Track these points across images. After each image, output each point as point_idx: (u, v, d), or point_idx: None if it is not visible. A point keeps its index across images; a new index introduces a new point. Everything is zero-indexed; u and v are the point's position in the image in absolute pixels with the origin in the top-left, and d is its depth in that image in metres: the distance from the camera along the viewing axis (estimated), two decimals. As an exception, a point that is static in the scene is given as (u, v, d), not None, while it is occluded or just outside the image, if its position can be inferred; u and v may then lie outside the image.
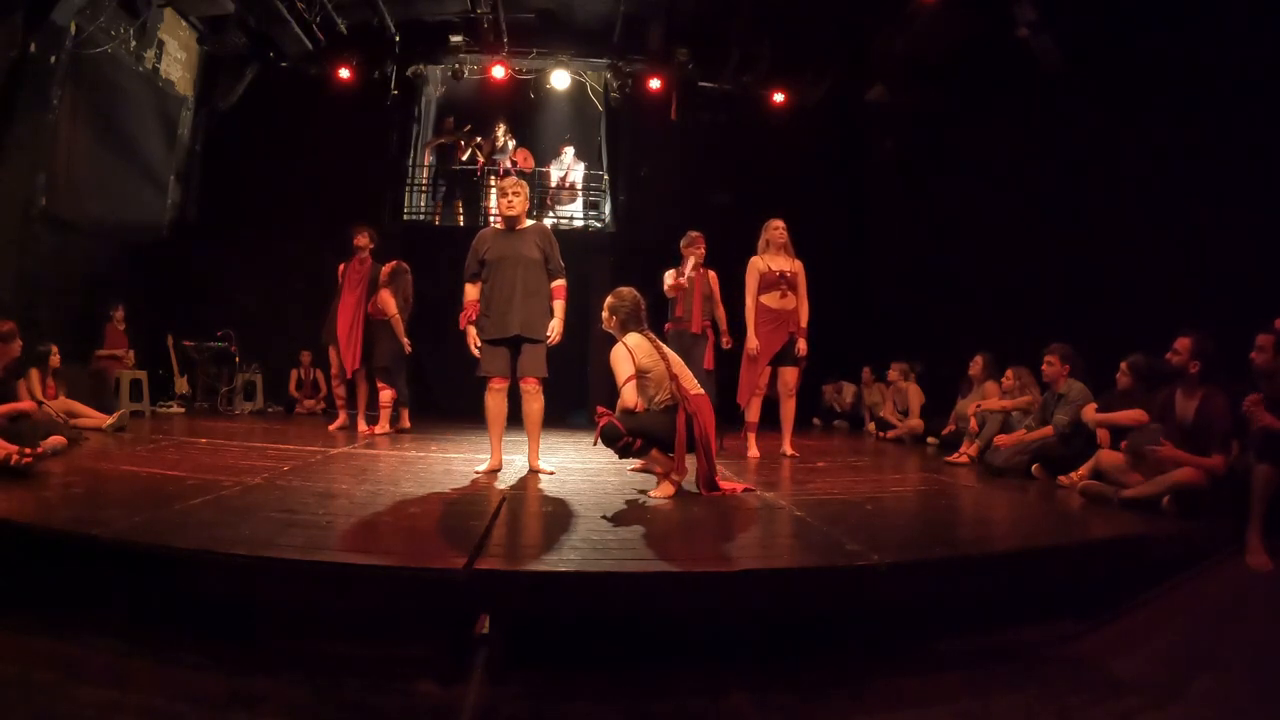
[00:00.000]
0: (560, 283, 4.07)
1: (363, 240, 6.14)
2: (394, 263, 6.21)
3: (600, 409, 3.57)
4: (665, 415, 3.50)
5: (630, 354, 3.53)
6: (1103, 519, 3.31)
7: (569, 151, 9.58)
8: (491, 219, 9.51)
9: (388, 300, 6.01)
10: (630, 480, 3.98)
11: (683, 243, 5.43)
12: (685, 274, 5.33)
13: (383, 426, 6.02)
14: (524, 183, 4.20)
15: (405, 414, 6.42)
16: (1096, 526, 3.24)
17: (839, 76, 8.37)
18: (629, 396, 3.48)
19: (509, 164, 9.39)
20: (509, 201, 4.05)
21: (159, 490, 3.16)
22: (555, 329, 4.00)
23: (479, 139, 9.44)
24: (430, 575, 2.19)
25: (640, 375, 3.52)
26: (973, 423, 5.14)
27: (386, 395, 6.07)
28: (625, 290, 3.76)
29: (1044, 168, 6.67)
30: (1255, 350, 3.52)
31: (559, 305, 4.04)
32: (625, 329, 3.66)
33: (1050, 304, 6.27)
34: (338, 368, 6.20)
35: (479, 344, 4.02)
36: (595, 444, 3.54)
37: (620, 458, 3.64)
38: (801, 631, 2.37)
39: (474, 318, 4.04)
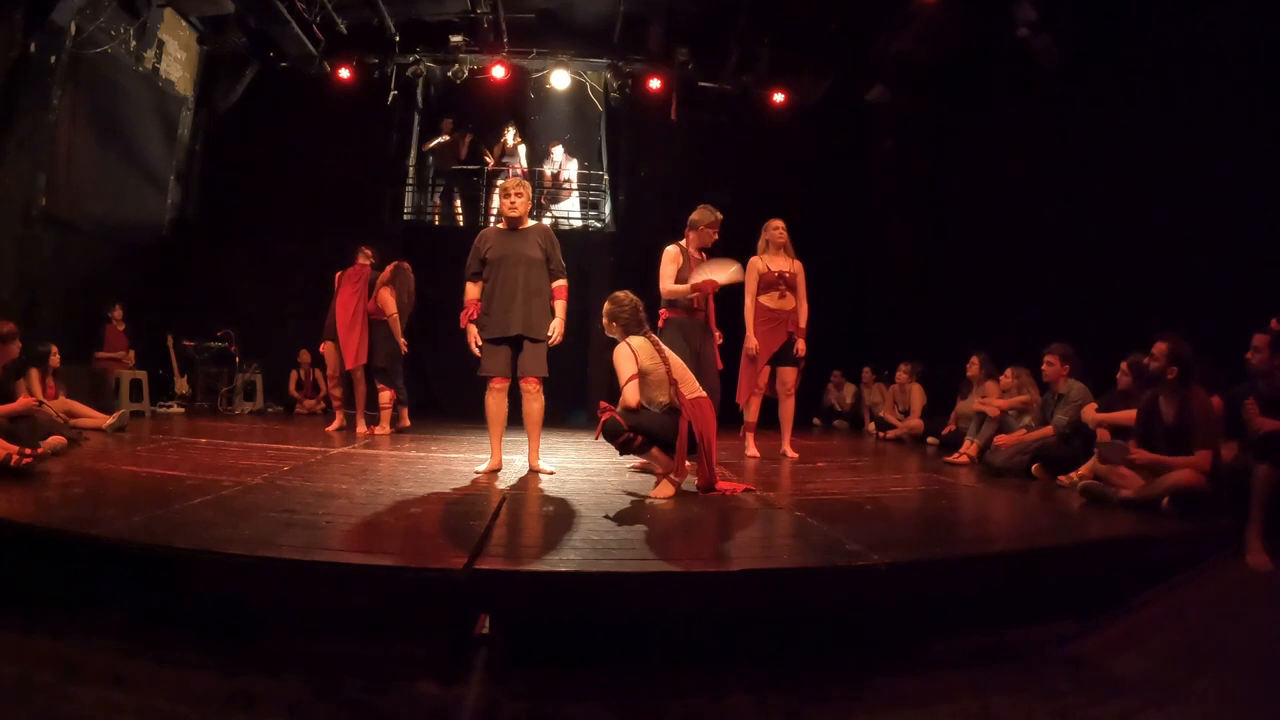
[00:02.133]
0: (562, 283, 4.07)
1: (367, 251, 6.26)
2: (394, 263, 6.22)
3: (603, 404, 3.58)
4: (667, 415, 3.51)
5: (634, 354, 3.54)
6: (1103, 519, 3.31)
7: (558, 149, 9.59)
8: (493, 219, 9.54)
9: (387, 299, 6.01)
10: (630, 480, 3.99)
11: (705, 220, 4.66)
12: (697, 262, 4.59)
13: (383, 428, 6.02)
14: (527, 183, 4.20)
15: (405, 413, 6.43)
16: (1096, 526, 3.24)
17: (839, 76, 8.36)
18: (631, 395, 3.49)
19: (519, 168, 9.42)
20: (511, 202, 4.05)
21: (159, 490, 3.16)
22: (556, 329, 4.00)
23: (471, 137, 9.45)
24: (430, 575, 2.19)
25: (641, 376, 3.52)
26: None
27: (385, 396, 6.08)
28: (622, 295, 3.74)
29: (1043, 167, 6.67)
30: (1251, 350, 3.52)
31: (560, 305, 4.04)
32: (628, 332, 3.66)
33: (1050, 304, 6.27)
34: (334, 366, 6.19)
35: (479, 343, 4.02)
36: (597, 438, 3.55)
37: (620, 454, 3.64)
38: (801, 631, 2.37)
39: (475, 316, 4.03)
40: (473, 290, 4.08)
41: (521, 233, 4.06)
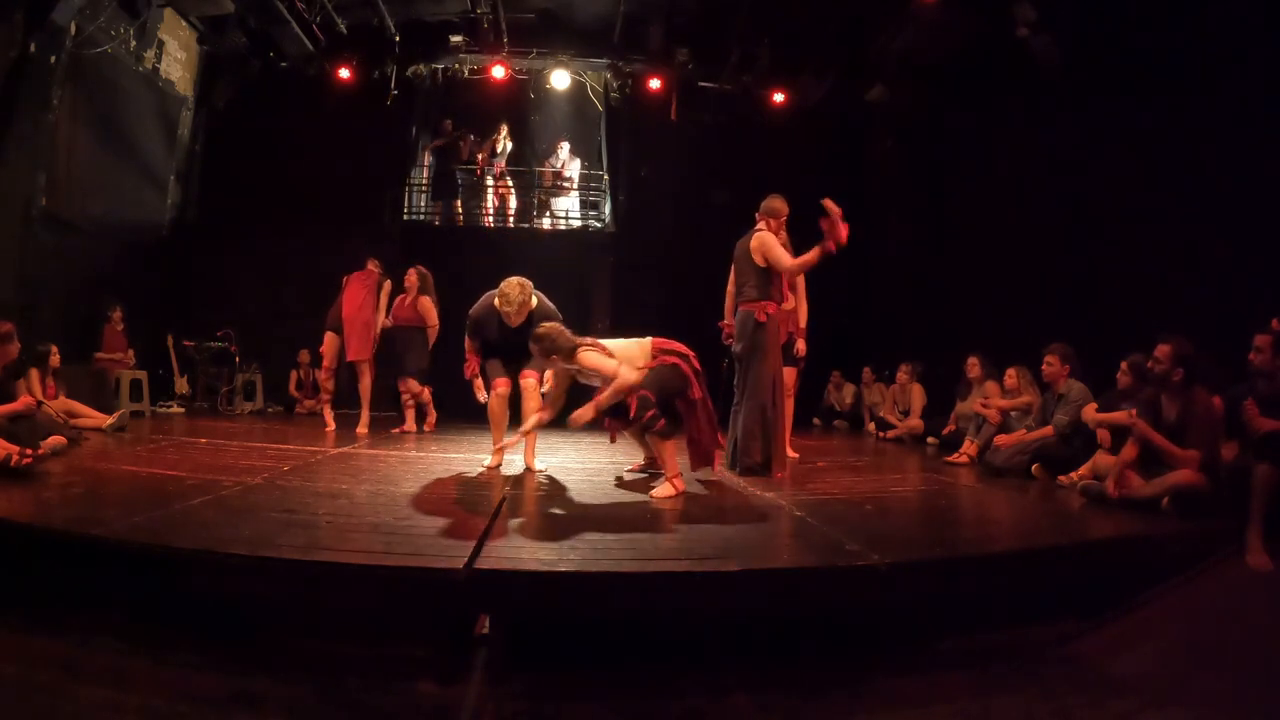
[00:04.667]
0: None
1: (376, 261, 6.33)
2: (418, 270, 6.17)
3: (630, 398, 3.50)
4: (667, 369, 3.57)
5: (595, 349, 3.56)
6: (1103, 519, 3.31)
7: (564, 147, 9.60)
8: (490, 218, 9.56)
9: (430, 308, 6.04)
10: (630, 480, 3.99)
11: (785, 211, 4.44)
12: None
13: (410, 425, 6.10)
14: (527, 284, 3.97)
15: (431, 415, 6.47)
16: (1096, 526, 3.24)
17: (839, 76, 8.36)
18: (630, 373, 3.47)
19: (501, 166, 9.48)
20: (512, 322, 3.95)
21: (159, 490, 3.16)
22: (549, 382, 4.04)
23: (474, 136, 9.48)
24: (430, 575, 2.19)
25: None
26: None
27: (427, 393, 6.18)
28: (546, 329, 3.57)
29: (1043, 167, 6.67)
30: (1253, 351, 3.52)
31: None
32: (574, 353, 3.55)
33: (1050, 304, 6.27)
34: (332, 358, 6.18)
35: (483, 392, 4.13)
36: (632, 416, 3.49)
37: (643, 434, 3.62)
38: (801, 631, 2.37)
39: (477, 371, 4.12)
40: (473, 345, 4.15)
41: (522, 325, 3.99)
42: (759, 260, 4.18)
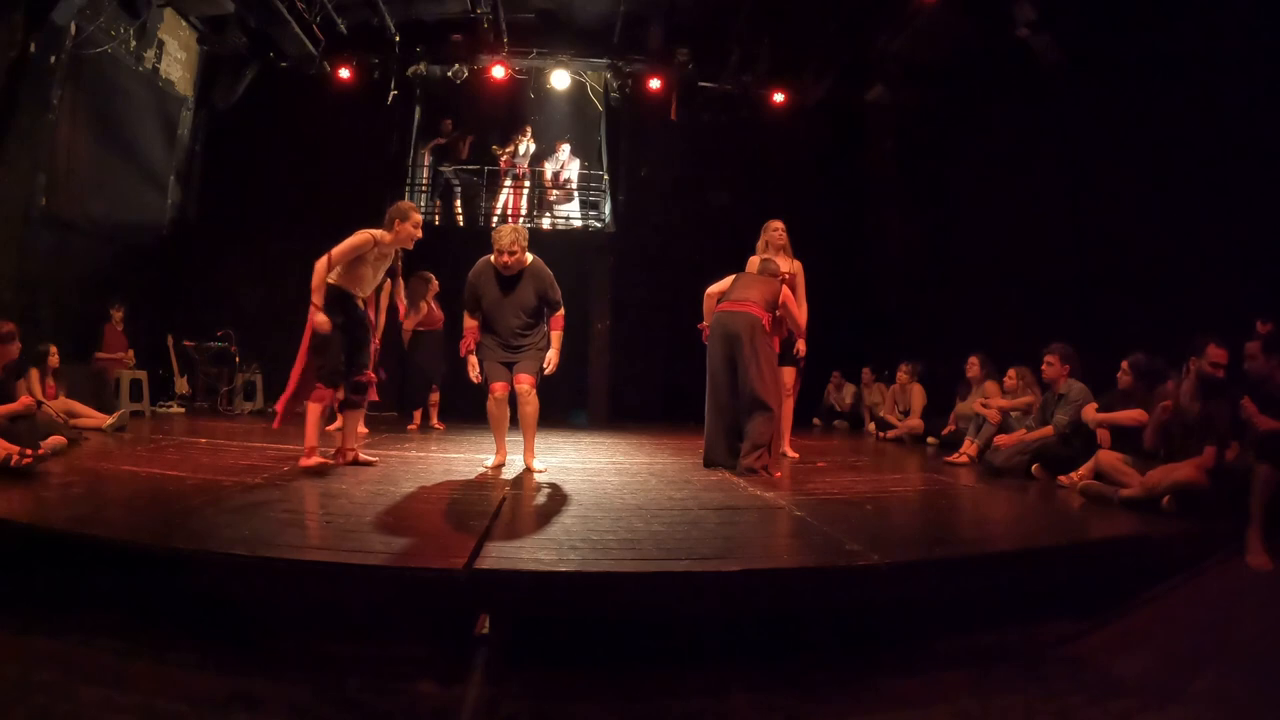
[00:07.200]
0: (559, 314, 4.12)
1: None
2: (429, 275, 6.40)
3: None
4: None
5: None
6: (1103, 519, 3.31)
7: (565, 149, 9.59)
8: (494, 219, 9.55)
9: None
10: (631, 480, 3.99)
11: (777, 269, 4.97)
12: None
13: (436, 422, 6.52)
14: (522, 230, 4.08)
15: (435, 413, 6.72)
16: (1096, 526, 3.24)
17: (839, 76, 8.37)
18: None
19: (522, 168, 9.50)
20: (505, 263, 4.00)
21: (159, 490, 3.16)
22: (551, 360, 4.06)
23: (472, 137, 9.49)
24: (430, 575, 2.19)
25: None
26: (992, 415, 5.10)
27: (436, 396, 6.53)
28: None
29: (1043, 167, 6.68)
30: (1247, 359, 3.52)
31: (556, 336, 4.09)
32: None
33: (1050, 304, 6.27)
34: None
35: (478, 371, 4.10)
36: None
37: None
38: (801, 631, 2.37)
39: (473, 348, 4.11)
40: (470, 321, 4.14)
41: (516, 277, 4.05)
42: (780, 303, 4.57)
